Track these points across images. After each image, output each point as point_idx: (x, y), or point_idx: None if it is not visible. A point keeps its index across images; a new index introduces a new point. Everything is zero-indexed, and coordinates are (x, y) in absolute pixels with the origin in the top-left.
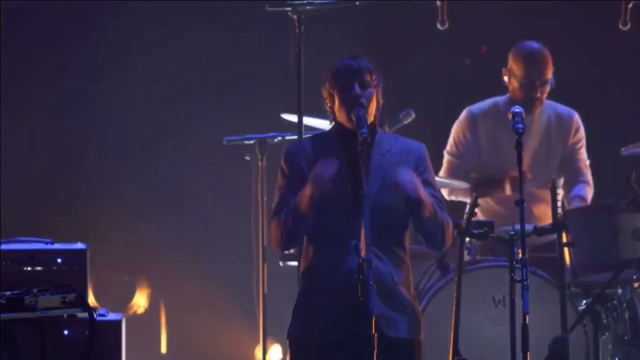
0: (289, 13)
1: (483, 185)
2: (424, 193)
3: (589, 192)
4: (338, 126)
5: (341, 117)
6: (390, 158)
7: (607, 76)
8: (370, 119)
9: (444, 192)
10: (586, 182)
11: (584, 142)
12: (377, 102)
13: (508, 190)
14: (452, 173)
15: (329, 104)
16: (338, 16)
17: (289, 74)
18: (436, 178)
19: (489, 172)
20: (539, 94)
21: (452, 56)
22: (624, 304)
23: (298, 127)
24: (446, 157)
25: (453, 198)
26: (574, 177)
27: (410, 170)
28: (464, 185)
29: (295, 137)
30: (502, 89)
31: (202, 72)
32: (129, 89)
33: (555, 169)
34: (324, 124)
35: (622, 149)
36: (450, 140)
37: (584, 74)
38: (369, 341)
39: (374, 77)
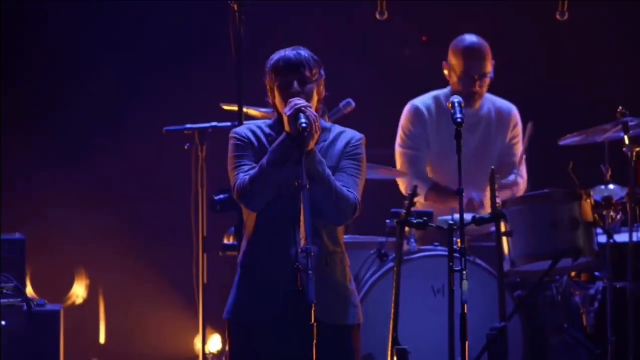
0: (229, 1)
1: (439, 192)
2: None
3: (520, 185)
4: (280, 118)
5: (281, 111)
6: (323, 146)
7: (544, 66)
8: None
9: (401, 187)
10: (519, 176)
11: (520, 137)
12: (319, 95)
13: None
14: (410, 165)
15: (270, 97)
16: (278, 5)
17: (229, 63)
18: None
19: (436, 168)
20: (477, 88)
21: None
22: (561, 293)
23: (238, 116)
24: (399, 151)
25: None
26: (507, 172)
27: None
28: (423, 186)
29: (235, 126)
30: (443, 78)
31: (141, 61)
32: (66, 77)
33: (494, 162)
34: (264, 114)
35: (559, 139)
36: (400, 133)
37: (521, 63)
38: (308, 331)
39: (314, 72)
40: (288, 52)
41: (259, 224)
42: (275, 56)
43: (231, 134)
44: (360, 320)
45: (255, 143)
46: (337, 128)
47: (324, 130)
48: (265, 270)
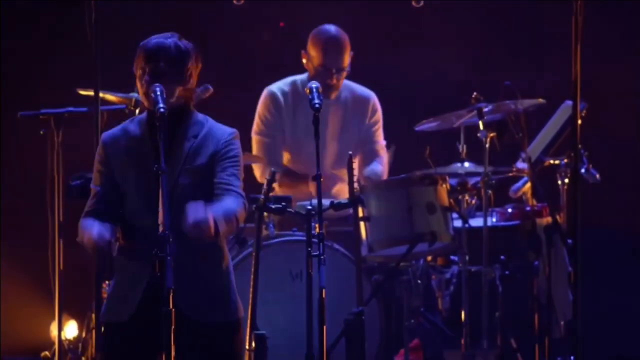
0: None
1: (290, 176)
2: (213, 223)
3: (383, 172)
4: (144, 107)
5: (142, 98)
6: (195, 143)
7: (402, 53)
8: (173, 99)
9: (257, 173)
10: (381, 164)
11: (380, 124)
12: (181, 83)
13: (312, 187)
14: (266, 151)
15: (137, 85)
16: None
17: (86, 46)
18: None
19: (294, 154)
20: (334, 81)
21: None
22: (418, 277)
23: (95, 101)
24: (255, 138)
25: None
26: (369, 159)
27: (198, 206)
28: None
29: (92, 111)
30: (301, 65)
31: None
32: None
33: (351, 149)
34: (120, 99)
35: (415, 125)
36: (257, 120)
37: (377, 49)
38: (166, 317)
39: (174, 60)
40: (152, 39)
41: (124, 230)
42: (142, 41)
43: (98, 148)
44: (241, 314)
45: (117, 147)
46: (209, 122)
47: (197, 124)
48: (128, 260)
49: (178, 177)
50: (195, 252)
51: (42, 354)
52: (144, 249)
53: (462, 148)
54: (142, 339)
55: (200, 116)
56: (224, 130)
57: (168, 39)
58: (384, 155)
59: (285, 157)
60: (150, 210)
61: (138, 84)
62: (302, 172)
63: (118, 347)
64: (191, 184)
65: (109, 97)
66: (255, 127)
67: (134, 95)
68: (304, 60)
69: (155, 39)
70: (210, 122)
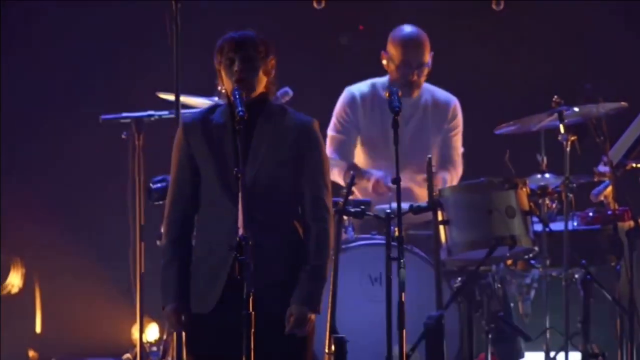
0: None
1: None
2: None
3: (449, 179)
4: (229, 101)
5: (228, 91)
6: (276, 133)
7: (481, 56)
8: (260, 89)
9: None
10: (448, 171)
11: (459, 129)
12: (267, 74)
13: (370, 188)
14: (337, 149)
15: (220, 81)
16: None
17: (166, 51)
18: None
19: (370, 156)
20: (415, 77)
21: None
22: (497, 281)
23: (175, 105)
24: (330, 135)
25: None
26: (443, 163)
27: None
28: (342, 164)
29: (173, 115)
30: (380, 67)
31: (78, 48)
32: (3, 64)
33: (429, 152)
34: (201, 103)
35: (495, 128)
36: (333, 119)
37: (459, 54)
38: (246, 320)
39: (260, 50)
40: (233, 33)
41: (203, 211)
42: (222, 38)
43: (178, 132)
44: None
45: (198, 134)
46: (288, 112)
47: (276, 113)
48: (207, 257)
49: (260, 166)
50: (267, 245)
51: (124, 356)
52: (221, 241)
53: (543, 159)
54: (222, 334)
55: (278, 105)
56: (307, 121)
57: (249, 32)
58: (459, 162)
59: (362, 158)
60: (227, 200)
61: (225, 75)
62: (371, 169)
63: (201, 339)
64: (275, 174)
65: (190, 100)
66: (331, 125)
67: (214, 99)
68: (384, 62)
69: (236, 32)
70: (290, 111)
